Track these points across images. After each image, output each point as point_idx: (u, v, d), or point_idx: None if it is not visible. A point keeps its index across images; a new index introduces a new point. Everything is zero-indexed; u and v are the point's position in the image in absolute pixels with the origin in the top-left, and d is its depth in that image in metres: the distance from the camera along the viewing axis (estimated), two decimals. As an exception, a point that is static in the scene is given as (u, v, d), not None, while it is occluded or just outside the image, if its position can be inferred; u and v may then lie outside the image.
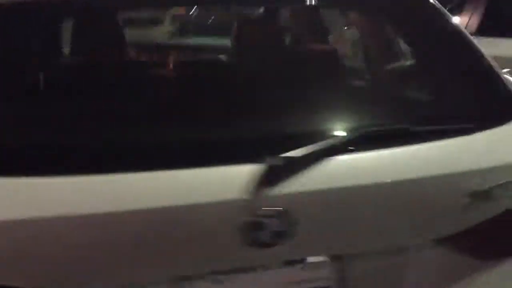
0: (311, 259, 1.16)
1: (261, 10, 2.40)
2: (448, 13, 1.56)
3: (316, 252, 1.16)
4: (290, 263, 1.16)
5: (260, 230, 1.06)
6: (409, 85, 1.62)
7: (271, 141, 1.15)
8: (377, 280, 1.20)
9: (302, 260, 1.16)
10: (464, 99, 1.38)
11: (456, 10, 3.61)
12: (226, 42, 2.37)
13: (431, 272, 1.22)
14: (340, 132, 1.21)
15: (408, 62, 1.75)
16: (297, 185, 1.07)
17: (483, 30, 3.35)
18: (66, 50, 1.85)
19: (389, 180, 1.13)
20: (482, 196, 1.16)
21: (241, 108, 1.29)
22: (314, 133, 1.18)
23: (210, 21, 3.95)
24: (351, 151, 1.14)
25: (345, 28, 2.38)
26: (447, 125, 1.25)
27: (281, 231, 1.07)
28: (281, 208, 1.06)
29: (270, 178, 1.05)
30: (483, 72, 1.41)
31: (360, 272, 1.19)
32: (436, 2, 1.53)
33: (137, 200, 1.03)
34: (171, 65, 1.98)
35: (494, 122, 1.27)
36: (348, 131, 1.20)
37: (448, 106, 1.37)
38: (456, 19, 2.17)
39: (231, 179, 1.06)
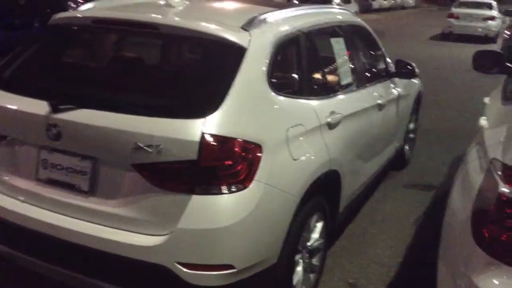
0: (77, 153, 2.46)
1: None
2: None
3: (78, 150, 2.44)
4: (70, 153, 2.47)
5: (50, 130, 2.42)
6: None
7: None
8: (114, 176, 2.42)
9: (74, 153, 2.46)
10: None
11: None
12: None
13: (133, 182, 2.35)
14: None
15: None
16: (69, 116, 2.41)
17: None
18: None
19: (106, 126, 2.33)
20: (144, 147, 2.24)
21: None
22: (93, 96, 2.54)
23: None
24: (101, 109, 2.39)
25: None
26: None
27: (58, 133, 2.41)
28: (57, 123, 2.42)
29: (58, 110, 2.41)
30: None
31: (103, 170, 2.43)
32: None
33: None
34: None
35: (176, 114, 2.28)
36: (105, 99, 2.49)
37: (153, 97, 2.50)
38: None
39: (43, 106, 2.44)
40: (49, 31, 2.99)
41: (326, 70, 3.29)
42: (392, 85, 4.34)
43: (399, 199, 4.69)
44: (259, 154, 2.38)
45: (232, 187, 2.30)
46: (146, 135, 2.27)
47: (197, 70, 2.56)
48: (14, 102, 2.59)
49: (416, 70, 4.35)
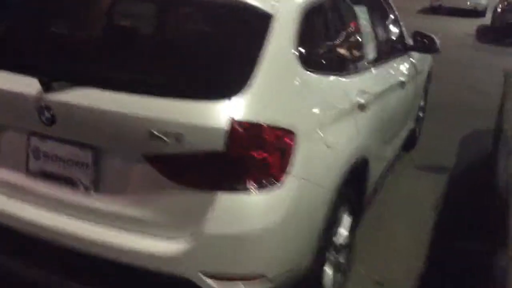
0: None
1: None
2: None
3: (76, 138, 2.04)
4: (66, 141, 2.06)
5: (41, 113, 2.01)
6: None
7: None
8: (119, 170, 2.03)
9: (72, 142, 2.05)
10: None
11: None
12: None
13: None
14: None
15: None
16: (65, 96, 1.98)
17: None
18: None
19: (111, 110, 1.93)
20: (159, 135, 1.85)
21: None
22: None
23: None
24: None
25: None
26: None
27: (52, 117, 2.00)
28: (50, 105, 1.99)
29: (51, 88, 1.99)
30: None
31: (106, 163, 2.04)
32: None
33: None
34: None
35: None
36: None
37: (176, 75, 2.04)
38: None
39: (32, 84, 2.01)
40: None
41: (353, 42, 2.92)
42: (411, 60, 3.98)
43: (413, 182, 4.40)
44: (292, 143, 2.02)
45: (264, 182, 1.94)
46: (162, 120, 1.88)
47: (219, 42, 2.16)
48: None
49: (438, 43, 4.00)
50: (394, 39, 3.87)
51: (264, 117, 1.95)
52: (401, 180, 4.38)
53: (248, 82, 1.94)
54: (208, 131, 1.87)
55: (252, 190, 1.91)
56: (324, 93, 2.37)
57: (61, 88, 2.00)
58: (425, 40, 3.98)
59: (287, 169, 1.99)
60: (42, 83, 2.00)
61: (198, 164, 1.92)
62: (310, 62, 2.32)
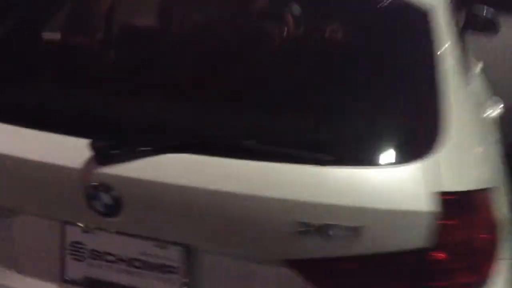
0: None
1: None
2: None
3: (154, 233, 1.24)
4: (141, 237, 1.25)
5: (94, 198, 1.20)
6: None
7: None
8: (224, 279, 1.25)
9: (154, 238, 1.25)
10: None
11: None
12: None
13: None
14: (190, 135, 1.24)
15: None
16: (132, 171, 1.17)
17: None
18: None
19: (225, 190, 1.13)
20: (316, 230, 1.10)
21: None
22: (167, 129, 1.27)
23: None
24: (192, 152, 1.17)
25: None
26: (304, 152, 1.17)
27: (113, 204, 1.19)
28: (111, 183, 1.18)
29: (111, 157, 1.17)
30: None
31: (208, 266, 1.24)
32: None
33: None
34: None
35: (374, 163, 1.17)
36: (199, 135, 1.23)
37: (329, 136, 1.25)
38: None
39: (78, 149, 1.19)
40: None
41: (463, 34, 2.21)
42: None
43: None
44: (495, 208, 1.32)
45: (480, 281, 1.23)
46: (320, 205, 1.12)
47: (374, 66, 1.32)
48: (18, 144, 1.31)
49: (498, 21, 3.34)
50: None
51: (471, 180, 1.22)
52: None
53: (440, 129, 1.21)
54: (398, 218, 1.12)
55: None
56: (484, 114, 1.67)
57: (129, 157, 1.17)
58: (482, 17, 3.31)
59: (499, 251, 1.29)
60: (95, 149, 1.16)
61: (381, 271, 1.17)
62: (466, 75, 1.61)
